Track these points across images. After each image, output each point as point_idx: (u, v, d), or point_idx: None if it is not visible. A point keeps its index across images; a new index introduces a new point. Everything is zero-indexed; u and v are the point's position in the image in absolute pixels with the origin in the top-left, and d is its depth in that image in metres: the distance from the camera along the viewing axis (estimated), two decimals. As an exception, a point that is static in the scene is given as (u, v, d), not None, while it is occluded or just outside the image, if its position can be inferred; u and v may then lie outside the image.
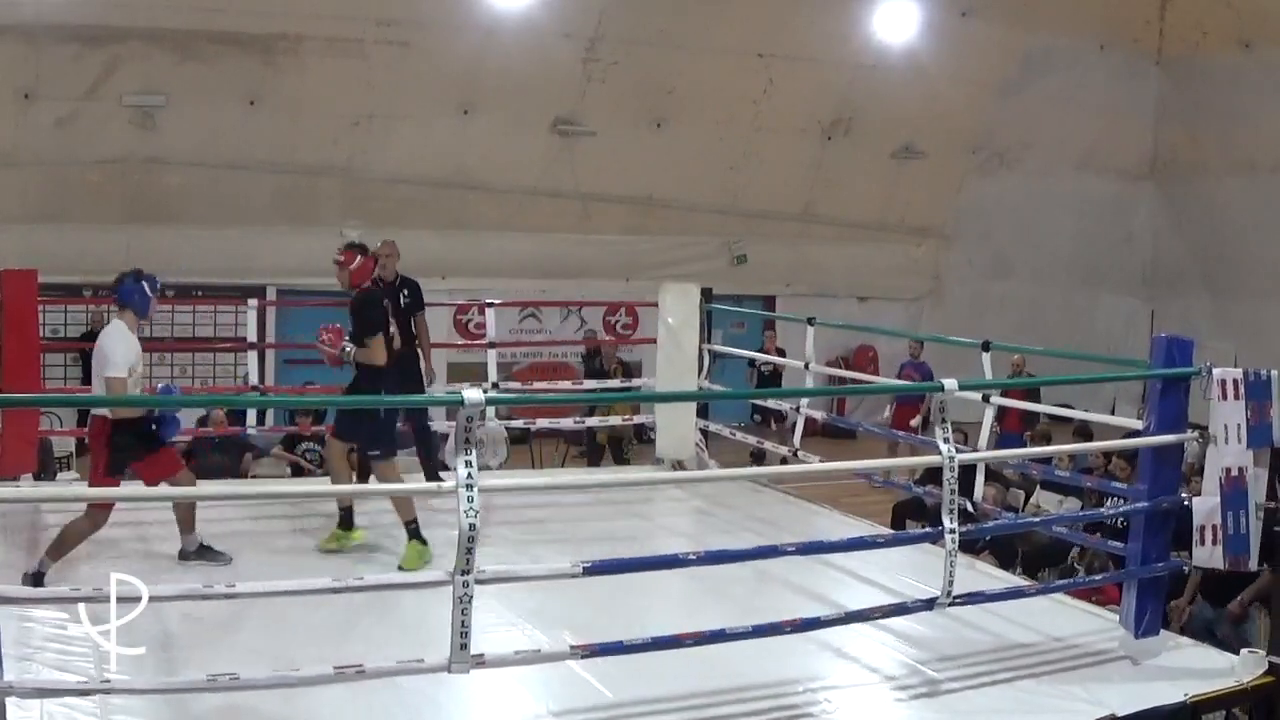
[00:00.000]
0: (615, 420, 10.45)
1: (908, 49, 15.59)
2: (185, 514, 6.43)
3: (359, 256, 6.78)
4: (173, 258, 13.59)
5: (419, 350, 8.18)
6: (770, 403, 12.14)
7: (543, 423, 10.87)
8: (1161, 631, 5.54)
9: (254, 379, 9.36)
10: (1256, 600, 7.16)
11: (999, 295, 17.73)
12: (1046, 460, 8.48)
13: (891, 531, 8.26)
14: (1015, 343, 13.36)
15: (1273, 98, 15.42)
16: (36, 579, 5.78)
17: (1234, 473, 5.18)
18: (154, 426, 6.17)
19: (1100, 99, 16.80)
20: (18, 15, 12.15)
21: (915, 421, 13.09)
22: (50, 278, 9.93)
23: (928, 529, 5.86)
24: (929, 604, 4.96)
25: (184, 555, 6.44)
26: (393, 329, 7.02)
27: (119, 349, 6.14)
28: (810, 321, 9.03)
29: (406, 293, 8.11)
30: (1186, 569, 5.63)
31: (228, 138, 13.54)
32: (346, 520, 6.85)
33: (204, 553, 6.46)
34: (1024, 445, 10.17)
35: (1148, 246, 18.65)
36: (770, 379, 13.48)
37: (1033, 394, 9.26)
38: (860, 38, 15.49)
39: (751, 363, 13.23)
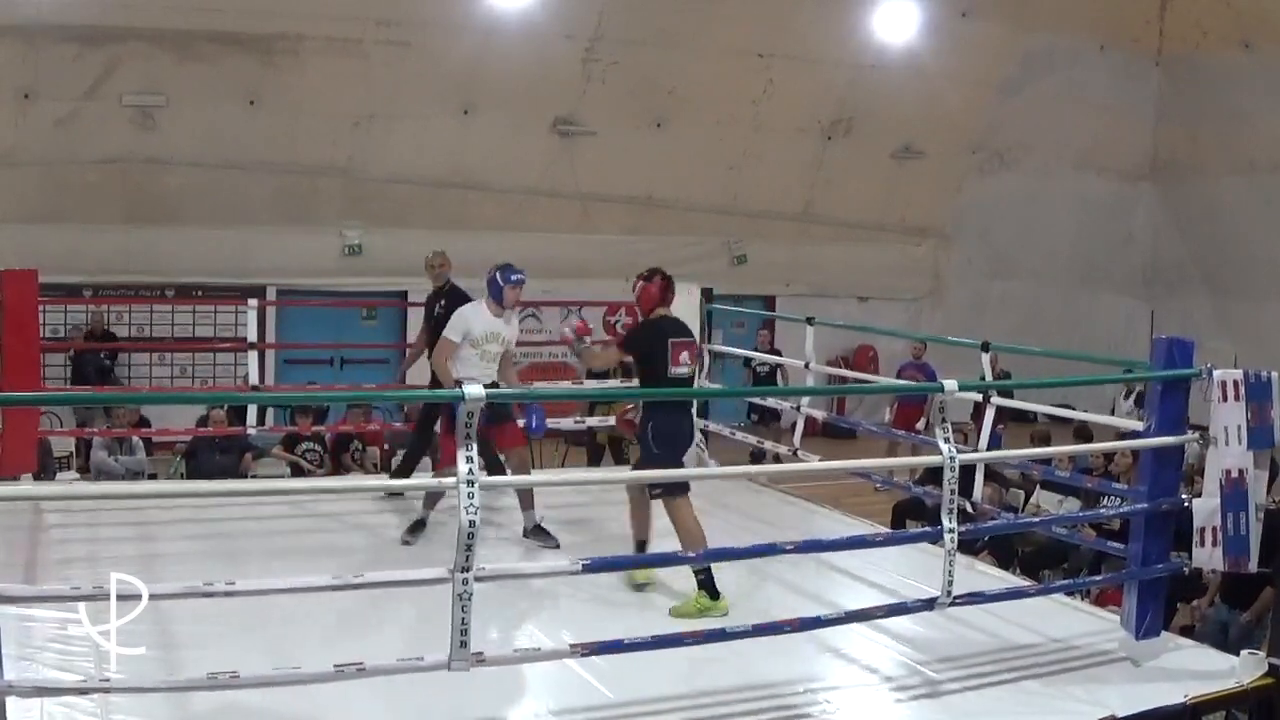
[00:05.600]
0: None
1: (908, 49, 15.58)
2: (525, 494, 6.78)
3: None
4: (173, 258, 13.64)
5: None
6: (768, 402, 12.12)
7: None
8: (1162, 633, 5.54)
9: (254, 379, 9.36)
10: (1268, 610, 7.17)
11: (999, 295, 17.74)
12: (1046, 460, 8.48)
13: (891, 531, 8.26)
14: (1015, 343, 13.38)
15: (1273, 98, 15.43)
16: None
17: (1234, 474, 5.18)
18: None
19: (1100, 99, 16.81)
20: (18, 15, 12.15)
21: (921, 424, 13.08)
22: (50, 278, 9.93)
23: (927, 529, 5.87)
24: (929, 604, 4.96)
25: (525, 533, 6.88)
26: None
27: (456, 320, 6.92)
28: (810, 321, 9.03)
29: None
30: (1187, 569, 5.61)
31: (228, 138, 13.53)
32: (709, 583, 5.79)
33: (538, 533, 6.85)
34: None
35: (1148, 246, 18.66)
36: (767, 379, 13.46)
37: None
38: (860, 38, 15.49)
39: (747, 362, 13.22)
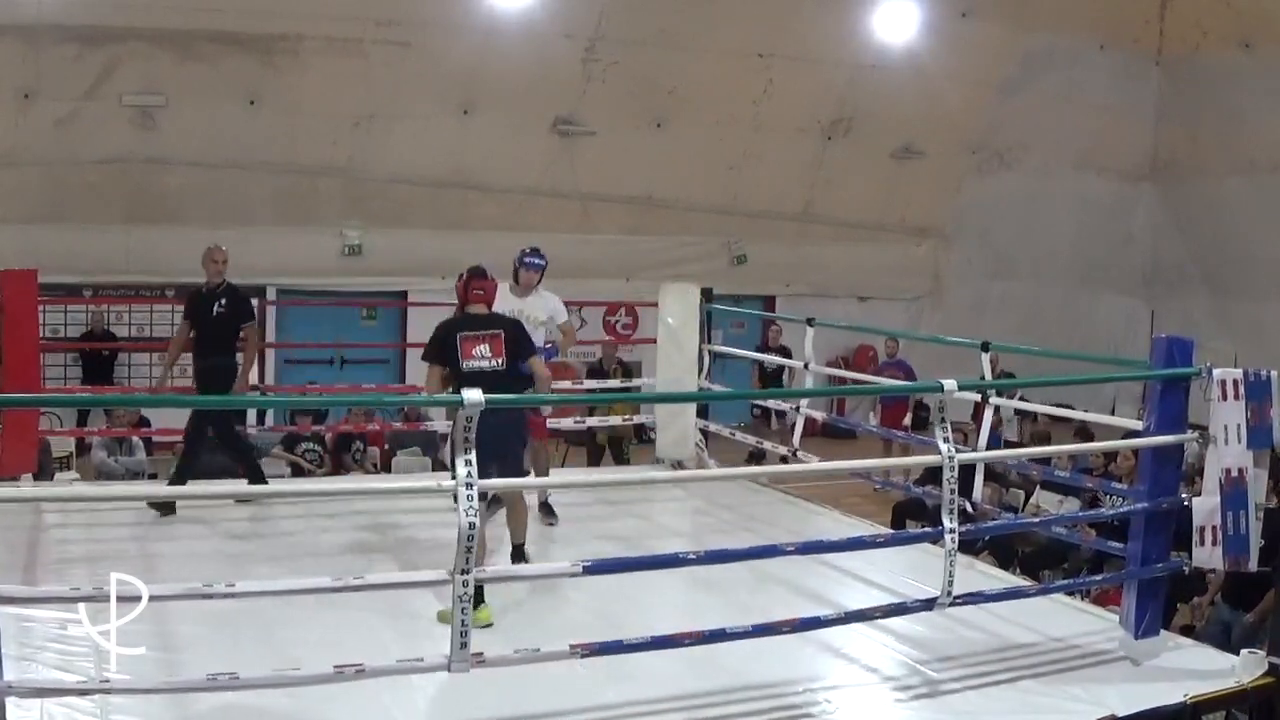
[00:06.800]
0: (615, 420, 10.44)
1: (908, 49, 15.58)
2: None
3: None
4: (173, 258, 13.58)
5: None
6: (771, 402, 12.13)
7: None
8: (1161, 632, 5.54)
9: (254, 379, 9.36)
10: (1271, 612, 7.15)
11: (999, 295, 17.73)
12: (1046, 460, 8.48)
13: (891, 531, 8.26)
14: (1015, 343, 13.36)
15: (1273, 98, 15.42)
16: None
17: (1234, 473, 5.18)
18: None
19: (1100, 99, 16.80)
20: (18, 15, 12.14)
21: (907, 420, 13.06)
22: (50, 278, 9.94)
23: (927, 529, 5.86)
24: (929, 604, 4.96)
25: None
26: None
27: None
28: (810, 322, 9.03)
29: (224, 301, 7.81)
30: (1186, 569, 5.62)
31: (228, 138, 13.53)
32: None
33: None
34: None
35: (1148, 246, 18.65)
36: (773, 377, 13.40)
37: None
38: (860, 38, 15.49)
39: (758, 361, 13.21)
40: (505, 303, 7.04)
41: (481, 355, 6.04)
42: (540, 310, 7.45)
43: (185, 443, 7.84)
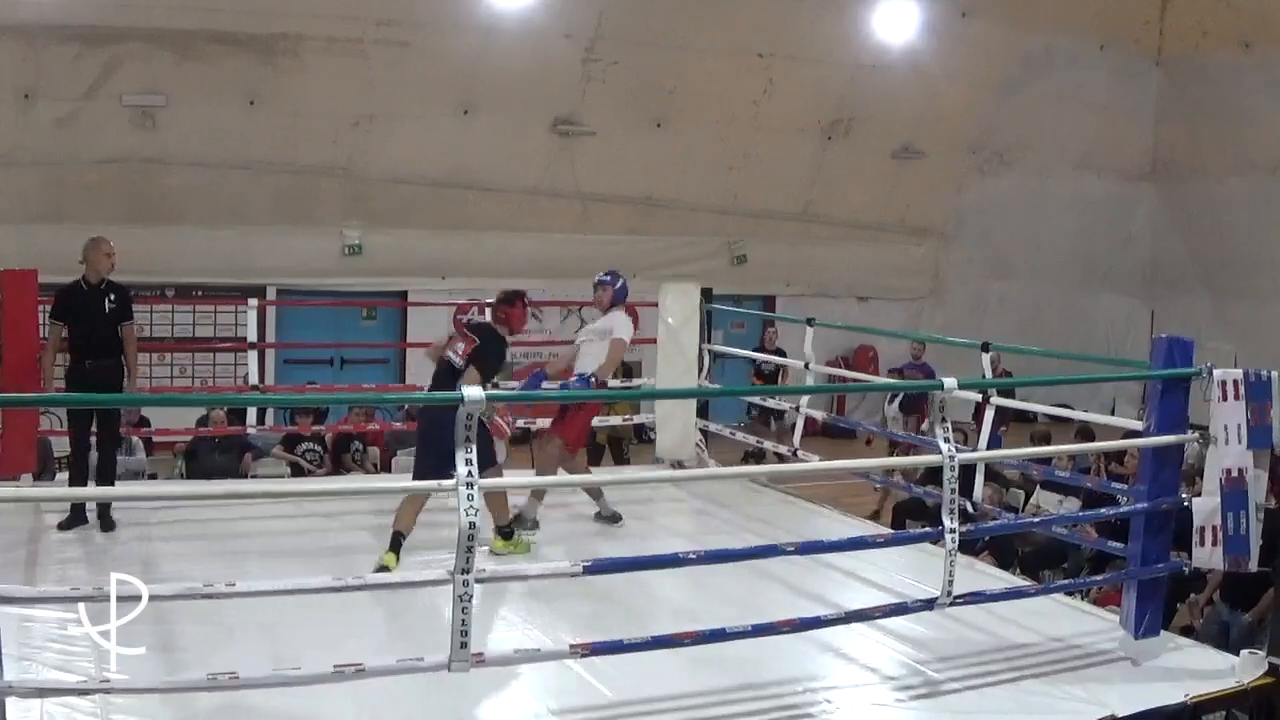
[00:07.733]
0: (615, 420, 10.43)
1: (908, 49, 15.58)
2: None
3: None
4: (173, 258, 13.62)
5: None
6: (770, 401, 12.13)
7: (543, 423, 10.84)
8: (1162, 632, 5.54)
9: (254, 379, 9.37)
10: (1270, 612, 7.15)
11: (999, 295, 17.75)
12: (1046, 460, 8.48)
13: (891, 531, 8.26)
14: (1016, 343, 13.37)
15: (1273, 98, 15.43)
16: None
17: (1234, 473, 5.18)
18: None
19: (1100, 99, 16.81)
20: (18, 15, 12.14)
21: (925, 426, 13.05)
22: (50, 278, 9.91)
23: (927, 529, 5.86)
24: (929, 604, 4.96)
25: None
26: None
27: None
28: (810, 322, 9.03)
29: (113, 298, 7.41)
30: (1186, 569, 5.62)
31: (228, 138, 13.52)
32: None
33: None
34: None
35: (1148, 247, 18.66)
36: (772, 378, 13.42)
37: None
38: (860, 38, 15.49)
39: (754, 362, 13.22)
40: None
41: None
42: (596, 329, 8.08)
43: (73, 446, 7.47)
